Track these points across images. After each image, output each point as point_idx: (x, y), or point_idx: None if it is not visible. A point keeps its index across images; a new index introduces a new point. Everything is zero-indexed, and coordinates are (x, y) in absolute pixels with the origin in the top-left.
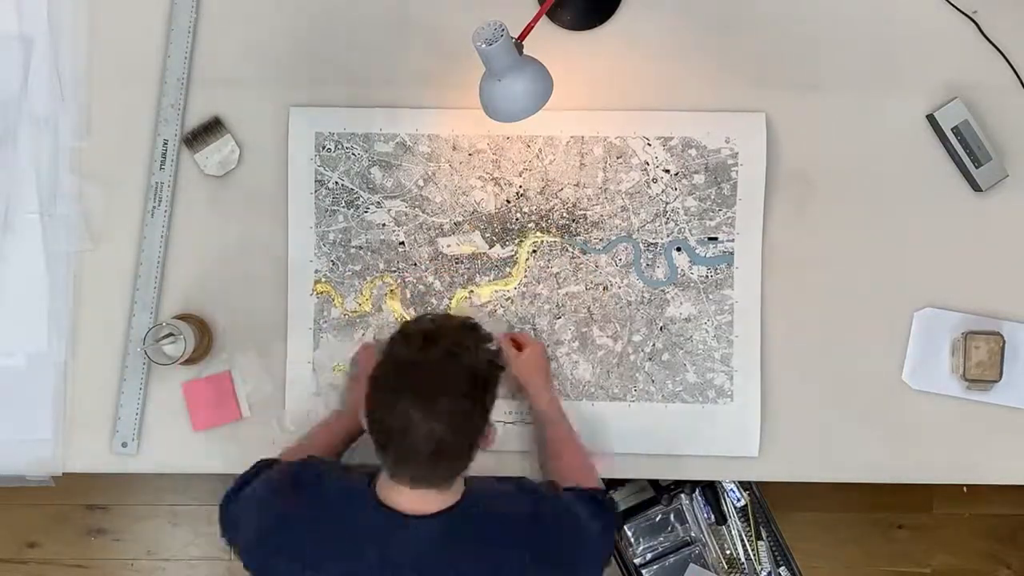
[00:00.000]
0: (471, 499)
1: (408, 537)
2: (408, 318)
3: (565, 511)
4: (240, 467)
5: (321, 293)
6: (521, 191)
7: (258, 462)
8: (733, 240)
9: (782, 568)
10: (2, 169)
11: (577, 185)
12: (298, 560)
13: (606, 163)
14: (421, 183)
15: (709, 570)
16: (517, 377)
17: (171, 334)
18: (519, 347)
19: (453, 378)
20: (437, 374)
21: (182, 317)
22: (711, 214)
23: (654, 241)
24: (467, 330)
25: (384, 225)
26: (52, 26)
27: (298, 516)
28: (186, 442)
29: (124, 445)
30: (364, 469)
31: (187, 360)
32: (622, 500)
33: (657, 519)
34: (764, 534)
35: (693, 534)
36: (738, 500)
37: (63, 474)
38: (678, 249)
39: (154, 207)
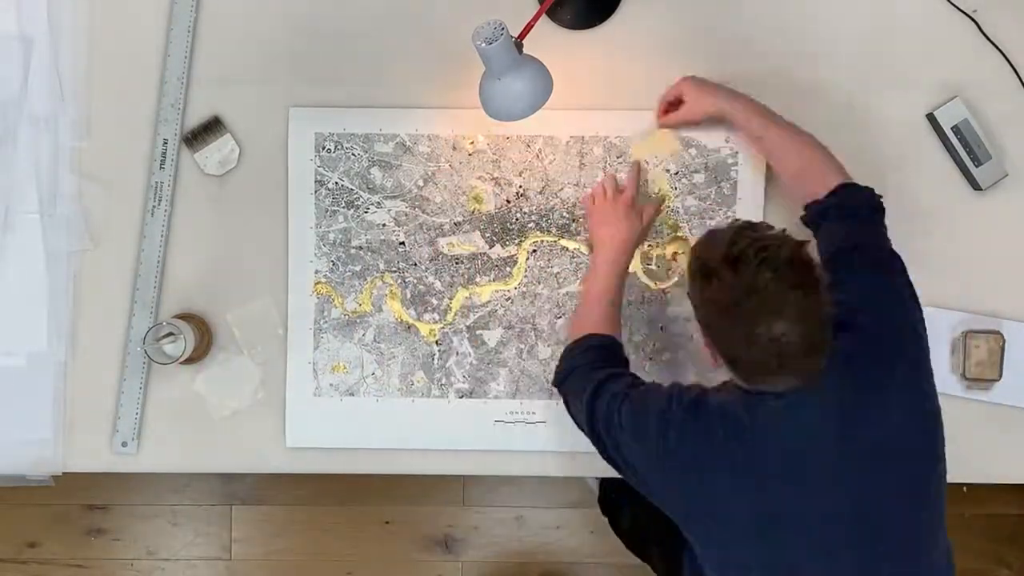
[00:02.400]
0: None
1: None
2: (408, 320)
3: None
4: (240, 467)
5: (321, 293)
6: (521, 191)
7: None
8: None
9: None
10: (2, 169)
11: (577, 185)
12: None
13: (606, 163)
14: (421, 183)
15: None
16: (698, 118)
17: (171, 334)
18: (679, 104)
19: (784, 281)
20: (770, 287)
21: (182, 317)
22: (711, 213)
23: (654, 241)
24: (747, 230)
25: (384, 225)
26: (52, 26)
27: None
28: (186, 442)
29: (124, 445)
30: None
31: (187, 360)
32: None
33: None
34: None
35: None
36: None
37: (63, 474)
38: (676, 253)
39: (154, 207)
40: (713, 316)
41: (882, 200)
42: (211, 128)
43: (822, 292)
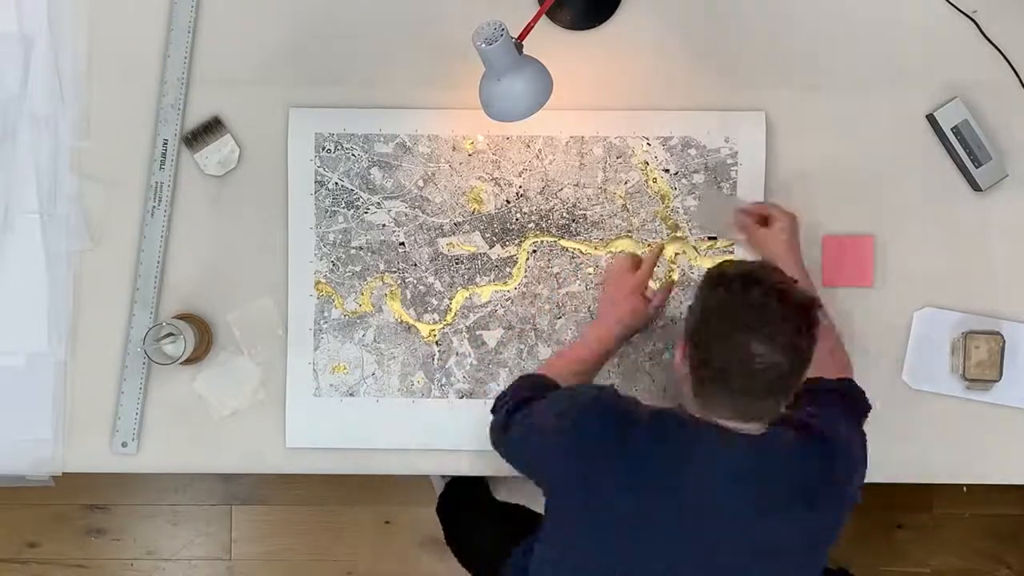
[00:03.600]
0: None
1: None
2: (408, 320)
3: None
4: (240, 467)
5: (321, 294)
6: (521, 191)
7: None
8: (733, 239)
9: None
10: (2, 169)
11: (577, 185)
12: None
13: (606, 163)
14: (421, 184)
15: None
16: (762, 252)
17: (171, 334)
18: (766, 222)
19: (787, 311)
20: (772, 308)
21: (182, 317)
22: None
23: (654, 241)
24: (771, 268)
25: (384, 226)
26: (52, 26)
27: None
28: (186, 442)
29: (124, 445)
30: None
31: (187, 360)
32: None
33: None
34: None
35: None
36: None
37: (63, 474)
38: (677, 250)
39: (154, 207)
40: (705, 319)
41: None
42: (211, 128)
43: (808, 355)
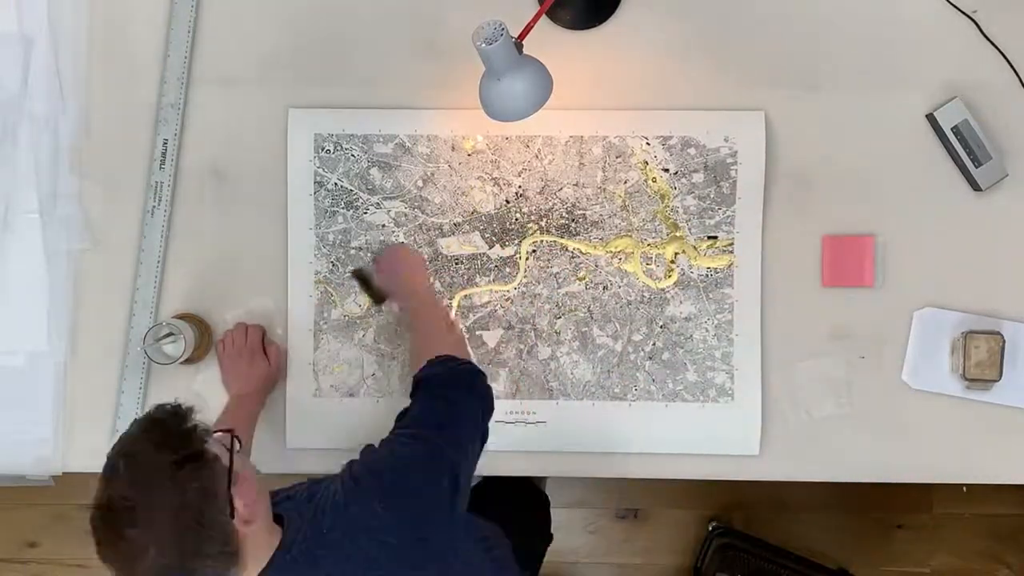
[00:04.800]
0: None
1: None
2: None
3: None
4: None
5: (321, 294)
6: (520, 191)
7: None
8: (733, 239)
9: None
10: (2, 169)
11: (576, 185)
12: None
13: (605, 162)
14: (420, 184)
15: None
16: (389, 292)
17: (171, 334)
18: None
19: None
20: (122, 510)
21: (182, 317)
22: (710, 213)
23: (653, 240)
24: (130, 444)
25: (384, 226)
26: (52, 26)
27: None
28: None
29: None
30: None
31: (187, 360)
32: None
33: None
34: None
35: None
36: None
37: (63, 474)
38: (678, 250)
39: (154, 207)
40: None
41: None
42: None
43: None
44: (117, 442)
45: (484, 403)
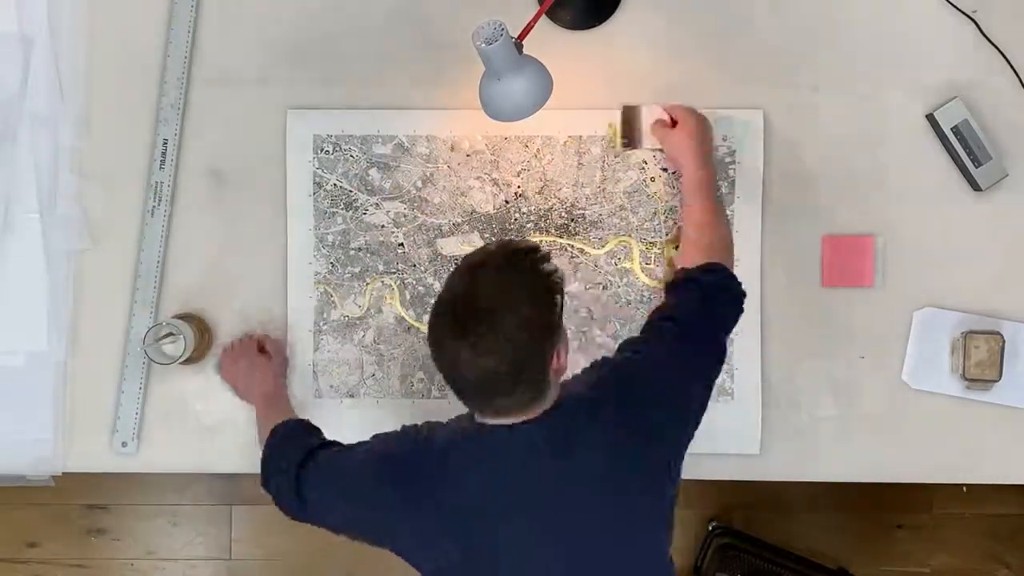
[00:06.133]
0: (565, 402)
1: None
2: (409, 321)
3: (632, 362)
4: (240, 467)
5: (321, 295)
6: (519, 191)
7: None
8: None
9: None
10: (2, 169)
11: (575, 185)
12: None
13: (604, 162)
14: (419, 184)
15: None
16: (668, 152)
17: (171, 334)
18: (674, 123)
19: (499, 307)
20: (481, 308)
21: (182, 317)
22: None
23: (653, 240)
24: (517, 254)
25: (383, 227)
26: (52, 26)
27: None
28: (186, 442)
29: (124, 445)
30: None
31: (187, 360)
32: None
33: None
34: None
35: None
36: None
37: (63, 474)
38: (676, 247)
39: (154, 207)
40: (432, 313)
41: (744, 296)
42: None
43: (538, 336)
44: (477, 254)
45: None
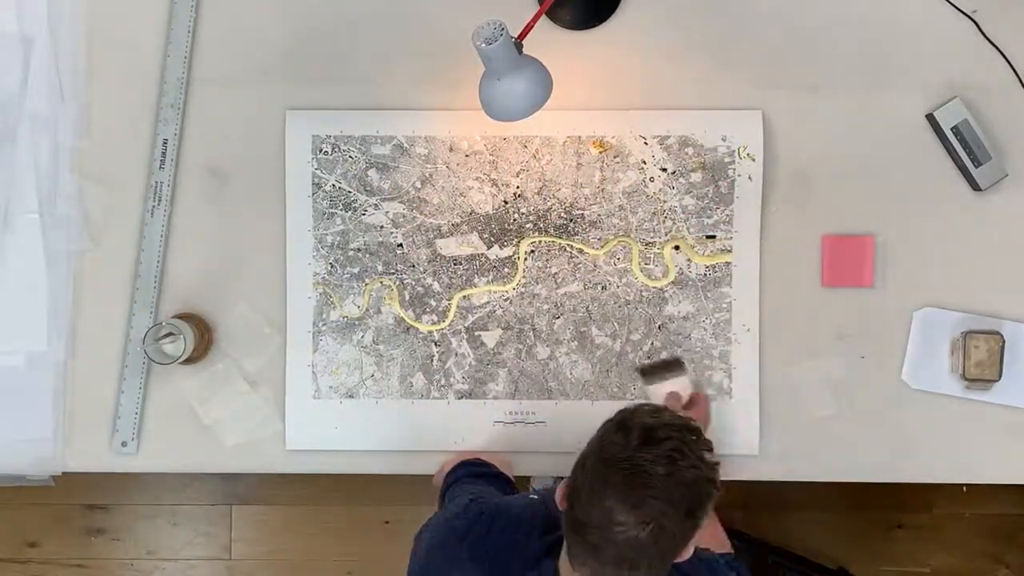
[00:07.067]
0: None
1: None
2: (408, 321)
3: None
4: (240, 467)
5: (320, 296)
6: (518, 192)
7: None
8: (731, 238)
9: None
10: (2, 169)
11: (574, 185)
12: None
13: (603, 162)
14: (418, 185)
15: None
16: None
17: (171, 333)
18: (688, 404)
19: (669, 484)
20: (654, 476)
21: (182, 317)
22: (709, 212)
23: (652, 240)
24: (690, 432)
25: (382, 227)
26: (52, 26)
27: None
28: (186, 442)
29: (124, 445)
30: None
31: (187, 360)
32: None
33: None
34: None
35: None
36: None
37: (63, 474)
38: (676, 248)
39: (154, 207)
40: (585, 463)
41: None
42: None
43: (681, 539)
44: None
45: None
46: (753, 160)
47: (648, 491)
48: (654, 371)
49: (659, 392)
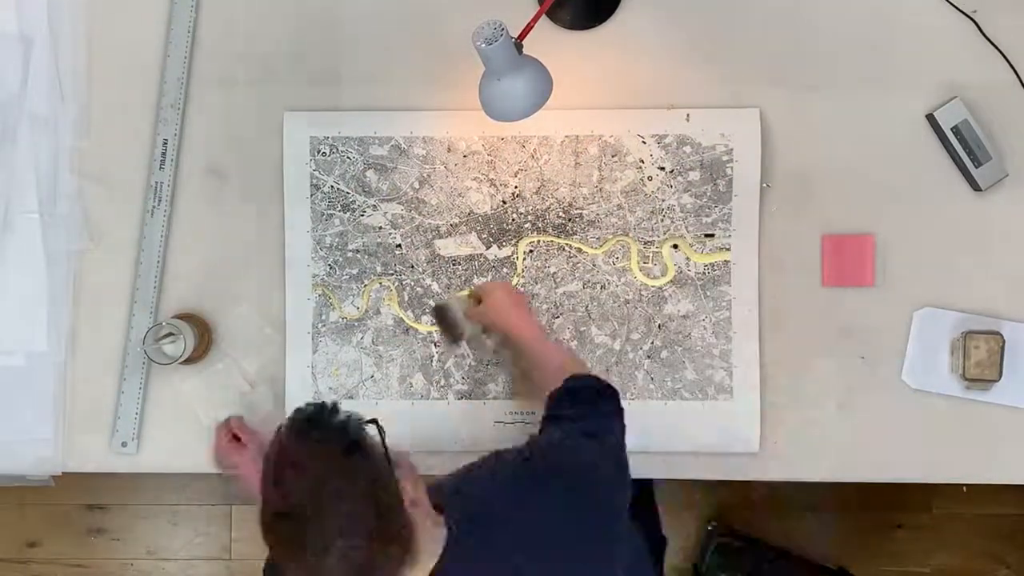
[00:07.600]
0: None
1: None
2: (405, 319)
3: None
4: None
5: (319, 297)
6: (517, 191)
7: None
8: (730, 236)
9: None
10: (2, 169)
11: (572, 184)
12: None
13: (601, 162)
14: (417, 185)
15: None
16: (492, 328)
17: (171, 334)
18: (479, 301)
19: (316, 514)
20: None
21: (182, 317)
22: (707, 211)
23: (650, 239)
24: (302, 436)
25: (381, 228)
26: (52, 26)
27: None
28: (186, 442)
29: (124, 445)
30: None
31: (187, 360)
32: None
33: None
34: None
35: None
36: None
37: (63, 474)
38: (674, 246)
39: (154, 207)
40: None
41: (606, 387)
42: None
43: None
44: (273, 449)
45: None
46: (751, 160)
47: (307, 531)
48: (447, 328)
49: (458, 319)
